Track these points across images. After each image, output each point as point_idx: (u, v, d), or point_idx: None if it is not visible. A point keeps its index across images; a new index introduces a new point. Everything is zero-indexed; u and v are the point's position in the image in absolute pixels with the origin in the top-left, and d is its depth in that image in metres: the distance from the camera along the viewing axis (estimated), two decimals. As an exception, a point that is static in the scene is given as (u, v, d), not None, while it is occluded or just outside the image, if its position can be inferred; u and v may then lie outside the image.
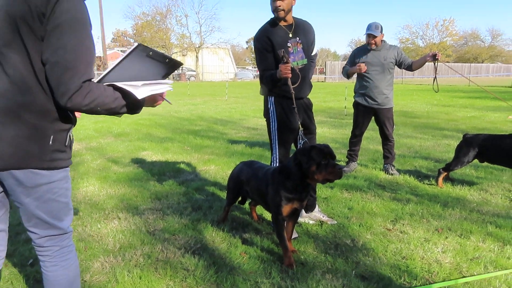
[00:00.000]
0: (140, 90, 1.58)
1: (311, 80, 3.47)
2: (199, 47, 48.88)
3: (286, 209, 2.69)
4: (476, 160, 4.47)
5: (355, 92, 5.20)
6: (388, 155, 5.14)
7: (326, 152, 2.53)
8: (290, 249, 2.77)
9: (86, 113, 1.54)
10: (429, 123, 9.61)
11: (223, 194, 4.11)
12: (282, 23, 3.17)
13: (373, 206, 3.81)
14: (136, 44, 1.55)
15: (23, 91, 1.49)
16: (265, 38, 3.14)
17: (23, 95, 1.49)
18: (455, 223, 3.41)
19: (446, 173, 4.54)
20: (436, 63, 4.72)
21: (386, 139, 5.15)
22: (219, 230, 3.23)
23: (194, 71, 46.61)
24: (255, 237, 3.12)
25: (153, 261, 2.74)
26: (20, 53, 1.47)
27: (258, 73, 3.34)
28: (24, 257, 2.79)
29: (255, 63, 3.33)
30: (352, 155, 5.24)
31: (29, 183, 1.55)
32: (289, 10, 3.13)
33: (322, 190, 4.23)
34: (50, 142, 1.55)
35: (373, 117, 5.14)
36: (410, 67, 4.98)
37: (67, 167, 1.66)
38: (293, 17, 3.22)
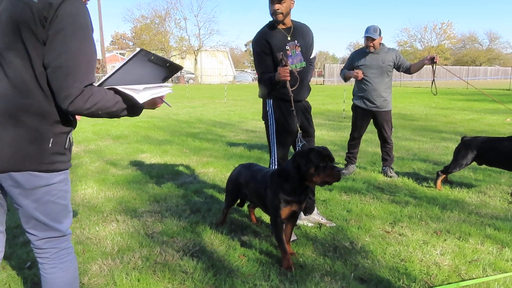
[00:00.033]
0: (141, 94, 1.60)
1: (309, 83, 3.47)
2: (198, 50, 48.95)
3: (284, 211, 2.69)
4: (474, 163, 4.48)
5: (353, 95, 5.20)
6: (386, 158, 5.15)
7: (324, 155, 2.53)
8: (289, 252, 2.77)
9: (87, 116, 1.55)
10: (428, 126, 9.63)
11: (222, 197, 4.10)
12: (281, 26, 3.18)
13: (371, 209, 3.81)
14: (138, 49, 1.56)
15: (23, 94, 1.50)
16: (264, 41, 3.15)
17: (23, 97, 1.50)
18: (453, 225, 3.41)
19: (444, 176, 4.55)
20: (434, 66, 4.73)
21: (384, 142, 5.15)
22: (217, 232, 3.22)
23: (193, 73, 46.68)
24: (254, 240, 3.12)
25: (151, 264, 2.73)
26: (21, 56, 1.49)
27: (257, 76, 3.34)
28: (22, 260, 2.78)
29: (254, 66, 3.34)
30: (350, 158, 5.25)
31: (28, 185, 1.56)
32: (288, 13, 3.13)
33: (320, 193, 4.23)
34: (50, 145, 1.56)
35: (371, 120, 5.15)
36: (408, 70, 4.99)
37: (66, 169, 1.67)
38: (292, 20, 3.23)
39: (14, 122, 1.49)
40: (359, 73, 4.90)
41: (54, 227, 1.67)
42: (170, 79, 1.90)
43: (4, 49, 1.49)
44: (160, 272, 2.62)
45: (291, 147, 3.39)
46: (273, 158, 3.27)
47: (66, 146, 1.62)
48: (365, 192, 4.35)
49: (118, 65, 1.59)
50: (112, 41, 60.92)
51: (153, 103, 1.72)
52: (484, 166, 4.57)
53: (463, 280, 2.54)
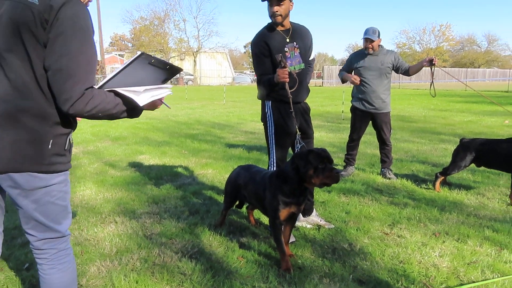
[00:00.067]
0: (141, 96, 1.61)
1: (308, 85, 3.48)
2: (197, 51, 48.98)
3: (283, 213, 2.69)
4: (473, 165, 4.48)
5: (352, 97, 5.21)
6: (385, 159, 5.15)
7: (323, 156, 2.53)
8: (288, 253, 2.77)
9: (87, 118, 1.56)
10: (426, 128, 9.64)
11: (221, 198, 4.10)
12: (280, 28, 3.18)
13: (370, 210, 3.81)
14: (139, 52, 1.57)
15: (23, 96, 1.50)
16: (262, 42, 3.15)
17: (23, 99, 1.50)
18: (452, 227, 3.41)
19: (443, 178, 4.55)
20: (432, 68, 4.74)
21: (383, 144, 5.15)
22: (216, 234, 3.22)
23: (192, 75, 46.69)
24: (253, 241, 3.11)
25: (150, 265, 2.72)
26: (21, 58, 1.49)
27: (256, 77, 3.35)
28: (20, 261, 2.77)
29: (253, 68, 3.34)
30: (349, 159, 5.25)
31: (27, 186, 1.56)
32: (287, 15, 3.14)
33: (319, 194, 4.23)
34: (49, 146, 1.56)
35: (370, 122, 5.15)
36: (407, 72, 5.00)
37: (66, 170, 1.67)
38: (291, 22, 3.23)
39: (14, 123, 1.50)
40: (357, 79, 4.92)
41: (53, 228, 1.68)
42: (169, 80, 1.91)
43: (5, 51, 1.50)
44: (158, 273, 2.61)
45: (290, 148, 3.39)
46: (272, 159, 3.27)
47: (66, 148, 1.63)
48: (363, 193, 4.35)
49: (118, 68, 1.60)
50: (111, 42, 60.93)
51: (152, 105, 1.73)
52: (482, 168, 4.57)
53: (462, 283, 2.54)
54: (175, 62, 47.13)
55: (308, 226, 3.39)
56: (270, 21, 3.18)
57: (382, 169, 5.16)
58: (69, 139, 1.65)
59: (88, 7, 1.60)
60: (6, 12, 1.49)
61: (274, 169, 3.21)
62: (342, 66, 5.51)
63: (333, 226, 3.40)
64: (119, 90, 1.59)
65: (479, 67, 60.66)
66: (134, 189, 4.49)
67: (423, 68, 4.89)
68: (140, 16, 53.49)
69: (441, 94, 23.29)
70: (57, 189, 1.64)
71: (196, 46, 49.73)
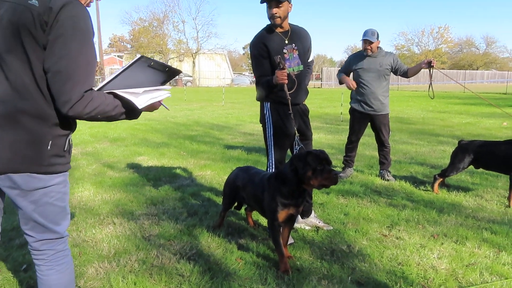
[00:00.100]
0: (140, 98, 1.62)
1: (307, 86, 3.48)
2: (196, 52, 48.97)
3: (282, 214, 2.69)
4: (471, 166, 4.49)
5: (351, 98, 5.21)
6: (384, 161, 5.15)
7: (322, 158, 2.53)
8: (286, 255, 2.76)
9: (86, 120, 1.56)
10: (425, 129, 9.65)
11: (219, 200, 4.09)
12: (278, 30, 3.19)
13: (369, 212, 3.81)
14: (139, 55, 1.57)
15: (23, 97, 1.51)
16: (261, 44, 3.15)
17: (23, 100, 1.51)
18: (450, 229, 3.41)
19: (441, 179, 4.56)
20: (431, 70, 4.75)
21: (382, 145, 5.16)
22: (214, 235, 3.21)
23: (191, 76, 46.69)
24: (251, 243, 3.11)
25: (148, 267, 2.72)
26: (21, 60, 1.50)
27: (255, 79, 3.35)
28: (17, 262, 2.76)
29: (252, 69, 3.34)
30: (348, 161, 5.25)
31: (26, 186, 1.57)
32: (286, 17, 3.14)
33: (318, 196, 4.23)
34: (49, 147, 1.57)
35: (369, 123, 5.15)
36: (405, 74, 5.01)
37: (65, 171, 1.67)
38: (290, 24, 3.24)
39: (13, 124, 1.51)
40: (353, 85, 4.95)
41: (51, 229, 1.68)
42: (169, 82, 1.92)
43: (5, 52, 1.51)
44: (156, 275, 2.61)
45: (288, 150, 3.39)
46: (271, 161, 3.27)
47: (65, 148, 1.64)
48: (362, 195, 4.35)
49: (118, 70, 1.60)
50: (110, 43, 60.86)
51: (151, 106, 1.74)
52: (481, 169, 4.58)
53: (460, 285, 2.54)
54: (174, 64, 47.13)
55: (307, 227, 3.39)
56: (269, 22, 3.19)
57: (381, 171, 5.17)
58: (69, 140, 1.66)
59: (89, 7, 1.60)
60: (6, 14, 1.50)
61: (273, 170, 3.21)
62: (340, 67, 5.51)
63: (331, 228, 3.40)
64: (118, 92, 1.59)
65: (477, 69, 60.81)
66: (133, 190, 4.48)
67: (422, 70, 4.90)
68: (139, 17, 53.43)
69: (440, 96, 23.32)
70: (56, 190, 1.64)
71: (195, 48, 49.73)
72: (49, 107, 1.54)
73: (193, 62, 48.42)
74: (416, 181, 4.93)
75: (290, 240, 3.06)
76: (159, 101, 1.75)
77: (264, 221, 3.46)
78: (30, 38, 1.47)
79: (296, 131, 3.13)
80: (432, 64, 4.62)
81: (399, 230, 3.39)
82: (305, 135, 3.38)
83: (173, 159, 6.23)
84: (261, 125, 3.37)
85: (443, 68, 51.89)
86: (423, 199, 4.24)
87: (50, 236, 1.69)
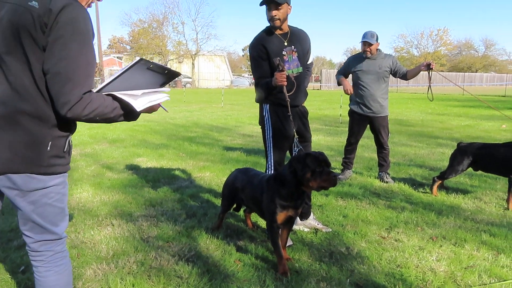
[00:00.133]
0: (139, 101, 1.62)
1: (306, 89, 3.48)
2: (195, 54, 49.00)
3: (281, 216, 2.69)
4: (470, 169, 4.49)
5: (350, 100, 5.22)
6: (383, 163, 5.15)
7: (321, 160, 2.53)
8: (285, 257, 2.76)
9: (84, 122, 1.56)
10: (424, 132, 9.66)
11: (218, 201, 4.09)
12: (278, 32, 3.19)
13: (368, 214, 3.80)
14: (138, 58, 1.57)
15: (23, 98, 1.51)
16: (261, 46, 3.15)
17: (23, 101, 1.51)
18: (449, 231, 3.41)
19: (440, 182, 4.56)
20: (430, 72, 4.76)
21: (381, 147, 5.16)
22: (213, 237, 3.21)
23: (190, 78, 46.69)
24: (250, 245, 3.10)
25: (146, 269, 2.71)
26: (21, 61, 1.50)
27: (254, 80, 3.35)
28: (15, 264, 2.76)
29: (251, 71, 3.35)
30: (347, 163, 5.25)
31: (25, 187, 1.57)
32: (285, 19, 3.14)
33: (317, 198, 4.23)
34: (48, 148, 1.57)
35: (368, 125, 5.16)
36: (404, 76, 5.01)
37: (64, 172, 1.67)
38: (289, 26, 3.24)
39: (13, 125, 1.51)
40: (350, 90, 5.00)
41: (50, 230, 1.68)
42: (168, 84, 1.92)
43: (5, 53, 1.51)
44: (155, 277, 2.60)
45: (287, 152, 3.39)
46: (270, 162, 3.27)
47: (65, 150, 1.64)
48: (361, 197, 4.35)
49: (117, 72, 1.60)
50: (109, 44, 60.91)
51: (150, 108, 1.74)
52: (480, 172, 4.59)
53: (459, 287, 2.53)
54: (174, 65, 47.20)
55: (306, 229, 3.39)
56: (268, 24, 3.19)
57: (380, 173, 5.17)
58: (69, 141, 1.66)
59: (89, 8, 1.60)
60: (7, 15, 1.50)
61: (272, 172, 3.21)
62: (339, 68, 5.52)
63: (330, 230, 3.40)
64: (117, 94, 1.59)
65: (476, 72, 60.99)
66: (131, 191, 4.48)
67: (421, 72, 4.90)
68: (138, 19, 53.67)
69: (439, 98, 23.36)
70: (56, 191, 1.65)
71: (194, 49, 49.81)
72: (49, 108, 1.54)
73: (193, 64, 48.45)
74: (415, 183, 4.93)
75: (289, 242, 3.05)
76: (158, 103, 1.75)
77: (263, 223, 3.46)
78: (30, 40, 1.47)
79: (295, 133, 3.13)
80: (431, 67, 4.63)
81: (398, 232, 3.38)
82: (304, 137, 3.38)
83: (172, 160, 6.22)
84: (260, 126, 3.37)
85: (442, 71, 51.95)
86: (422, 201, 4.24)
87: (48, 237, 1.69)
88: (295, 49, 3.22)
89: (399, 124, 11.03)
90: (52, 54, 1.46)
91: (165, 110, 1.94)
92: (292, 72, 3.21)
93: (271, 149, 3.26)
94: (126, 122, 1.70)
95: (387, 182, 4.97)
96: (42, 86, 1.51)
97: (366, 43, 4.86)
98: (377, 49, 4.94)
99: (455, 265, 2.80)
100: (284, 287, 2.51)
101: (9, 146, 1.51)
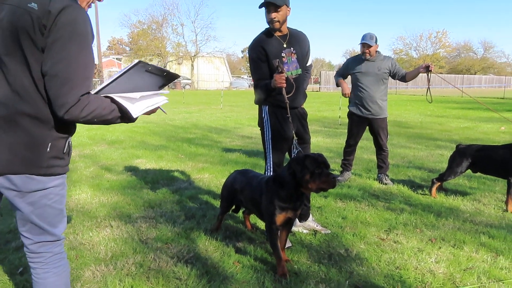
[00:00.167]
0: (136, 105, 1.61)
1: (305, 90, 3.49)
2: (194, 55, 49.02)
3: (280, 218, 2.69)
4: (469, 171, 4.49)
5: (349, 102, 5.22)
6: (382, 165, 5.16)
7: (320, 161, 2.53)
8: (284, 259, 2.76)
9: (82, 123, 1.56)
10: (423, 134, 9.67)
11: (217, 203, 4.09)
12: (277, 34, 3.20)
13: (367, 216, 3.80)
14: (136, 61, 1.57)
15: (23, 99, 1.51)
16: (260, 48, 3.16)
17: (23, 103, 1.52)
18: (448, 233, 3.41)
19: (439, 183, 4.56)
20: (429, 75, 4.77)
21: (380, 149, 5.16)
22: (212, 239, 3.21)
23: (190, 79, 46.70)
24: (249, 246, 3.10)
25: (145, 270, 2.71)
26: (20, 62, 1.50)
27: (253, 82, 3.35)
28: (14, 265, 2.75)
29: (250, 72, 3.35)
30: (346, 165, 5.25)
31: (24, 188, 1.57)
32: (284, 21, 3.15)
33: (316, 199, 4.23)
34: (48, 149, 1.57)
35: (367, 127, 5.16)
36: (403, 78, 5.02)
37: (64, 174, 1.67)
38: (288, 28, 3.24)
39: (13, 126, 1.51)
40: (347, 94, 5.07)
41: (49, 231, 1.68)
42: (167, 85, 1.92)
43: (4, 55, 1.51)
44: (153, 278, 2.60)
45: (286, 153, 3.39)
46: (269, 164, 3.27)
47: (64, 151, 1.64)
48: (360, 199, 4.35)
49: (115, 74, 1.60)
50: (108, 46, 60.94)
51: (149, 111, 1.73)
52: (478, 174, 4.59)
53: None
54: (173, 67, 47.21)
55: (305, 231, 3.39)
56: (268, 26, 3.20)
57: (379, 175, 5.17)
58: (68, 142, 1.66)
59: (89, 9, 1.60)
60: (6, 17, 1.50)
61: (271, 174, 3.21)
62: (338, 69, 5.53)
63: (329, 232, 3.40)
64: (115, 97, 1.58)
65: (475, 74, 61.11)
66: (130, 193, 4.47)
67: (420, 74, 4.91)
68: (138, 20, 53.48)
69: (438, 100, 23.40)
70: (55, 192, 1.65)
71: (193, 51, 49.82)
72: (49, 110, 1.54)
73: (192, 65, 48.45)
74: (414, 185, 4.94)
75: (288, 244, 3.05)
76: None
77: (262, 225, 3.46)
78: (29, 41, 1.47)
79: (294, 135, 3.13)
80: (430, 69, 4.64)
81: (397, 234, 3.38)
82: (303, 139, 3.38)
83: (171, 162, 6.22)
84: (259, 128, 3.38)
85: (441, 73, 52.07)
86: (421, 203, 4.24)
87: (47, 239, 1.69)
88: (294, 51, 3.22)
89: (398, 126, 11.04)
90: (51, 56, 1.46)
91: (164, 112, 1.94)
92: (291, 74, 3.21)
93: (270, 150, 3.26)
94: (125, 123, 1.70)
95: (386, 184, 4.97)
96: (41, 88, 1.51)
97: (365, 45, 4.87)
98: (376, 51, 4.94)
99: (454, 267, 2.80)
100: (283, 288, 2.50)
101: (9, 147, 1.51)
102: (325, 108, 17.82)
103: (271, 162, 3.26)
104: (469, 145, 4.55)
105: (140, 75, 1.63)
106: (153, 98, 1.70)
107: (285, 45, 3.19)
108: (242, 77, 57.44)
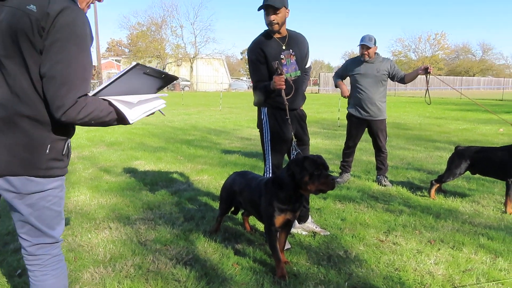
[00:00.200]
0: (134, 110, 1.61)
1: (304, 92, 3.49)
2: (193, 57, 49.03)
3: (279, 220, 2.68)
4: (468, 172, 4.50)
5: (348, 104, 5.23)
6: (381, 167, 5.16)
7: (319, 163, 2.53)
8: (283, 260, 2.75)
9: (79, 125, 1.57)
10: (422, 135, 9.68)
11: (216, 205, 4.08)
12: (276, 35, 3.20)
13: (366, 217, 3.80)
14: (134, 63, 1.56)
15: (22, 101, 1.52)
16: (259, 49, 3.16)
17: (22, 104, 1.52)
18: (447, 234, 3.41)
19: (438, 185, 4.57)
20: (428, 76, 4.77)
21: (379, 151, 5.17)
22: (211, 240, 3.20)
23: (189, 81, 46.70)
24: (248, 248, 3.10)
25: (144, 272, 2.70)
26: (19, 64, 1.50)
27: (252, 84, 3.35)
28: (12, 267, 2.74)
29: (249, 74, 3.35)
30: (345, 166, 5.25)
31: (24, 189, 1.57)
32: (283, 23, 3.15)
33: (315, 201, 4.22)
34: (47, 151, 1.57)
35: (366, 129, 5.16)
36: (402, 80, 5.03)
37: (63, 175, 1.67)
38: (287, 29, 3.25)
39: (12, 128, 1.51)
40: (346, 95, 5.11)
41: (47, 233, 1.68)
42: (165, 87, 1.91)
43: (4, 57, 1.51)
44: (152, 280, 2.59)
45: (286, 155, 3.39)
46: (268, 166, 3.27)
47: (63, 153, 1.64)
48: (359, 200, 4.35)
49: (113, 76, 1.60)
50: (108, 47, 60.95)
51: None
52: (477, 175, 4.59)
53: (457, 289, 2.54)
54: (172, 68, 47.20)
55: (304, 233, 3.38)
56: (267, 28, 3.20)
57: (378, 176, 5.17)
58: (67, 144, 1.66)
59: (88, 10, 1.60)
60: (6, 19, 1.51)
61: (270, 175, 3.21)
62: (337, 70, 5.54)
63: (328, 233, 3.40)
64: (113, 101, 1.58)
65: (474, 76, 61.24)
66: (129, 195, 4.46)
67: (419, 76, 4.92)
68: (137, 22, 53.58)
69: (436, 102, 23.43)
70: (53, 194, 1.64)
71: (193, 52, 49.81)
72: (47, 112, 1.54)
73: (191, 67, 48.45)
74: (413, 187, 4.94)
75: (287, 245, 3.05)
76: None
77: (261, 226, 3.46)
78: (28, 43, 1.47)
79: (293, 136, 3.13)
80: (429, 70, 4.65)
81: (396, 236, 3.38)
82: (302, 140, 3.38)
83: (170, 163, 6.21)
84: (258, 130, 3.38)
85: (439, 75, 52.13)
86: (420, 204, 4.24)
87: (45, 241, 1.69)
88: (293, 53, 3.23)
89: (397, 128, 11.05)
90: (49, 58, 1.46)
91: (163, 114, 1.94)
92: (290, 75, 3.22)
93: (269, 152, 3.26)
94: (123, 125, 1.70)
95: (385, 186, 4.97)
96: (40, 90, 1.51)
97: (364, 47, 4.88)
98: (375, 53, 4.95)
99: (453, 269, 2.80)
100: (282, 290, 2.50)
101: (8, 149, 1.51)
102: (324, 110, 17.83)
103: (270, 164, 3.26)
104: (468, 146, 4.56)
105: (138, 77, 1.63)
106: (151, 102, 1.70)
107: (284, 47, 3.19)
108: (241, 79, 57.46)
